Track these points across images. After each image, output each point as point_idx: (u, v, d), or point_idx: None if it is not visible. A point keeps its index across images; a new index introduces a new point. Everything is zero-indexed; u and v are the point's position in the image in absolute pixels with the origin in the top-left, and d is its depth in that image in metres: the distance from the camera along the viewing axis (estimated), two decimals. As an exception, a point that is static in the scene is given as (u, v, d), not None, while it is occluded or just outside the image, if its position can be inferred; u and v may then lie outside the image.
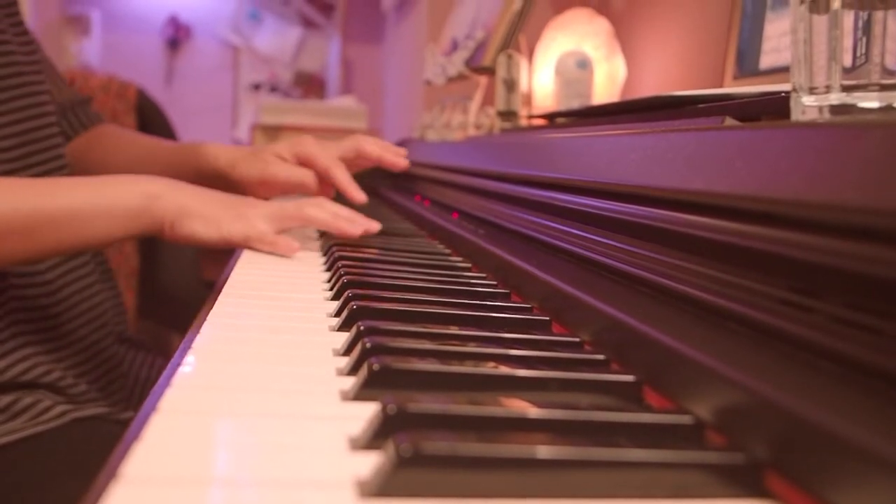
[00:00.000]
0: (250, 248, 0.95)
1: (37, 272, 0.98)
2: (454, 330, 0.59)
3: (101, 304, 1.09)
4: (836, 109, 0.48)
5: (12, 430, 0.90)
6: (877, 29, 0.46)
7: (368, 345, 0.50)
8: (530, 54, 1.69)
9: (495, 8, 1.72)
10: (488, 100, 1.70)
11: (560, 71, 1.44)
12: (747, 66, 1.06)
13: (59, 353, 0.99)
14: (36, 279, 0.98)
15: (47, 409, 0.92)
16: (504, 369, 0.49)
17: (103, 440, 0.92)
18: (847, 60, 0.47)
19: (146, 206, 0.92)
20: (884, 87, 0.46)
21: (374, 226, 1.02)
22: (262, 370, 0.51)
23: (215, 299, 0.69)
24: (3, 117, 0.98)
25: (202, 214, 0.94)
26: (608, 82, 1.52)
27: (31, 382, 0.94)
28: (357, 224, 1.00)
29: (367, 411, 0.41)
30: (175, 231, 0.93)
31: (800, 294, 0.42)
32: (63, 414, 0.93)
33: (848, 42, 0.47)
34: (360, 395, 0.46)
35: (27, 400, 0.92)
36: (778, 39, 1.00)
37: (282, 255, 0.96)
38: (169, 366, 0.51)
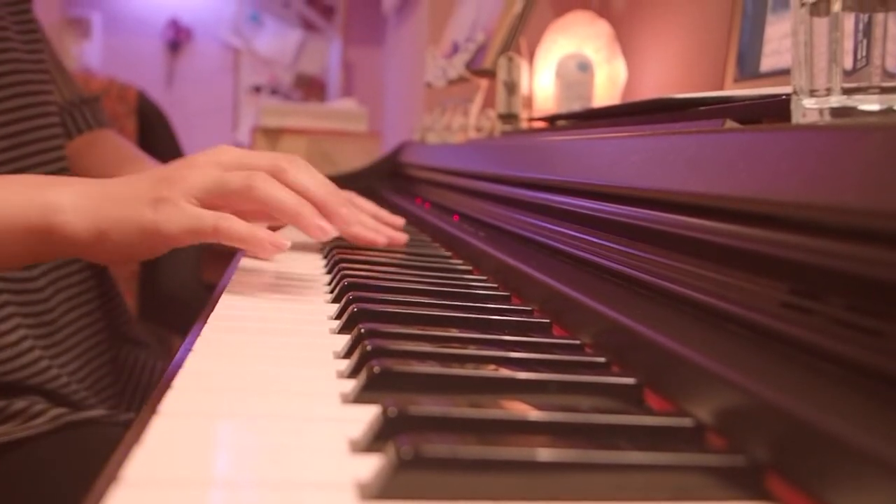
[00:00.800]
0: (201, 241, 0.72)
1: (28, 278, 0.98)
2: (455, 332, 0.59)
3: (98, 308, 1.08)
4: (836, 112, 0.48)
5: (4, 434, 0.89)
6: (877, 31, 0.46)
7: (369, 347, 0.50)
8: (531, 57, 1.69)
9: (496, 10, 1.72)
10: (489, 102, 1.70)
11: (561, 73, 1.44)
12: (748, 68, 1.06)
13: (58, 358, 0.98)
14: (28, 285, 0.98)
15: (41, 413, 0.92)
16: (504, 372, 0.49)
17: (100, 443, 0.91)
18: (848, 63, 0.47)
19: (46, 224, 0.71)
20: (884, 90, 0.46)
21: (331, 229, 0.76)
22: (263, 372, 0.51)
23: (216, 301, 0.69)
24: (1, 116, 0.97)
25: (116, 222, 0.71)
26: (609, 85, 1.52)
27: (26, 386, 0.93)
28: (333, 219, 0.77)
29: (368, 414, 0.41)
30: (95, 257, 0.74)
31: (800, 296, 0.42)
32: (57, 417, 0.92)
33: (848, 44, 0.47)
34: (361, 397, 0.46)
35: (20, 404, 0.91)
36: (779, 42, 1.00)
37: (259, 255, 0.75)
38: (169, 368, 0.51)
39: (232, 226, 0.70)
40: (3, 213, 0.71)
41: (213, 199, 0.72)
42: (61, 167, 1.05)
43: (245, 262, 0.91)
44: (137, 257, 0.74)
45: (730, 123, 0.66)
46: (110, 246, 0.71)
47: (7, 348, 0.93)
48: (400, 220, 0.88)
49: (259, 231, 0.71)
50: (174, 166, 0.75)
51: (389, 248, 0.96)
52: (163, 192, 0.71)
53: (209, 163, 0.75)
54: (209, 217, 0.70)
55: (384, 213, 0.96)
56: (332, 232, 0.75)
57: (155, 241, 0.70)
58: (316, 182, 0.78)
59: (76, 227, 0.71)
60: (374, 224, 0.91)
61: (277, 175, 0.75)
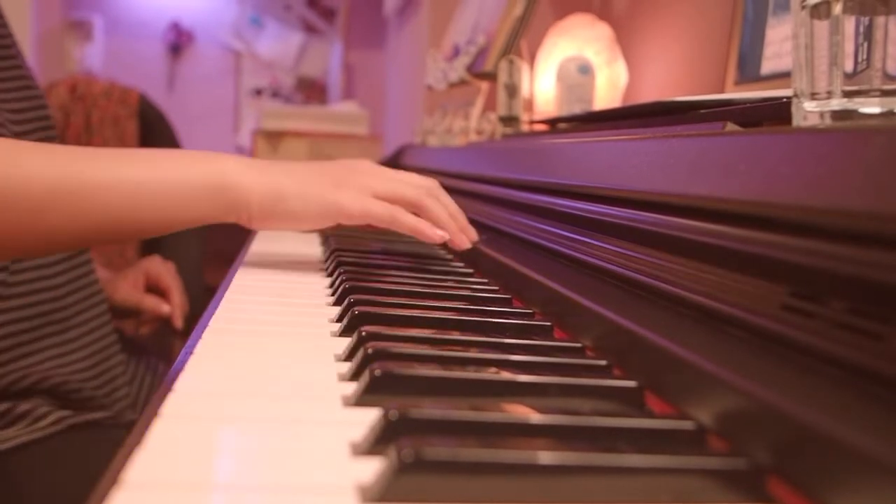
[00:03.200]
0: (371, 223, 0.84)
1: (43, 277, 0.98)
2: (456, 335, 0.59)
3: (105, 312, 1.08)
4: (837, 115, 0.48)
5: (9, 438, 0.89)
6: (878, 34, 0.46)
7: (370, 350, 0.50)
8: (532, 59, 1.69)
9: (497, 13, 1.72)
10: (490, 105, 1.70)
11: (561, 76, 1.44)
12: (749, 71, 1.06)
13: (63, 358, 0.98)
14: (41, 284, 0.98)
15: (44, 416, 0.92)
16: (506, 375, 0.49)
17: (102, 446, 0.91)
18: (848, 66, 0.47)
19: (227, 183, 0.80)
20: (885, 93, 0.46)
21: (473, 234, 0.91)
22: (264, 375, 0.51)
23: (217, 304, 0.69)
24: (23, 126, 0.97)
25: (300, 191, 0.82)
26: (610, 88, 1.52)
27: (31, 389, 0.93)
28: (466, 237, 0.89)
29: (369, 417, 0.41)
30: (265, 214, 0.81)
31: (802, 299, 0.42)
32: (60, 420, 0.93)
33: (849, 47, 0.47)
34: (362, 400, 0.46)
35: (24, 406, 0.91)
36: (779, 45, 1.00)
37: (428, 239, 0.85)
38: (171, 371, 0.51)
39: (405, 218, 0.85)
40: (189, 176, 0.79)
41: (385, 196, 0.85)
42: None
43: (246, 265, 0.91)
44: (305, 226, 0.84)
45: (730, 126, 0.66)
46: (284, 211, 0.81)
47: (12, 348, 0.93)
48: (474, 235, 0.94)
49: (426, 223, 0.85)
50: (345, 168, 0.87)
51: (390, 251, 0.96)
52: (342, 180, 0.84)
53: (373, 171, 0.87)
54: (386, 206, 0.84)
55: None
56: (467, 244, 0.89)
57: (332, 214, 0.83)
58: (453, 203, 0.91)
59: (253, 191, 0.80)
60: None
61: (428, 198, 0.88)
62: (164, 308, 1.31)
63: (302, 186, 0.82)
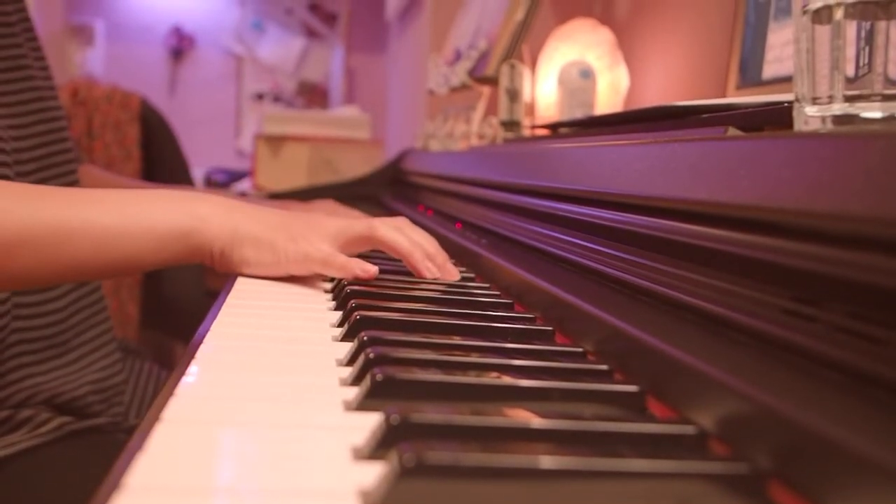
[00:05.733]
0: (314, 272, 0.84)
1: (48, 299, 0.98)
2: (457, 340, 0.59)
3: (109, 329, 1.08)
4: (838, 120, 0.48)
5: (11, 444, 0.89)
6: (879, 39, 0.46)
7: (372, 355, 0.50)
8: (533, 64, 1.69)
9: (498, 18, 1.72)
10: (491, 109, 1.70)
11: (563, 81, 1.45)
12: (750, 76, 1.06)
13: (67, 378, 0.98)
14: (46, 307, 0.97)
15: (46, 422, 0.92)
16: (507, 379, 0.49)
17: (103, 451, 0.91)
18: (850, 70, 0.47)
19: (192, 228, 0.80)
20: (886, 98, 0.46)
21: (454, 274, 0.88)
22: (266, 380, 0.51)
23: (219, 309, 0.69)
24: (24, 142, 0.97)
25: (255, 238, 0.82)
26: (611, 92, 1.52)
27: (33, 398, 0.93)
28: (435, 266, 0.86)
29: (371, 421, 0.41)
30: (225, 260, 0.82)
31: (803, 304, 0.42)
32: (61, 426, 0.92)
33: (851, 52, 0.47)
34: (364, 405, 0.46)
35: (25, 413, 0.91)
36: (781, 49, 1.00)
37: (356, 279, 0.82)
38: (172, 375, 0.51)
39: (346, 262, 0.82)
40: (156, 221, 0.79)
41: (339, 243, 0.84)
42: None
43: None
44: (256, 273, 0.83)
45: (732, 131, 0.66)
46: (238, 258, 0.82)
47: (14, 358, 0.93)
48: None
49: (369, 267, 0.82)
50: (304, 220, 0.86)
51: (391, 255, 0.95)
52: (301, 231, 0.84)
53: (328, 224, 0.86)
54: (341, 258, 0.82)
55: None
56: (436, 273, 0.86)
57: (285, 263, 0.83)
58: (425, 238, 0.89)
59: (216, 236, 0.81)
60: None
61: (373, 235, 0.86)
62: None
63: (258, 234, 0.82)
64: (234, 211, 0.83)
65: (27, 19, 1.04)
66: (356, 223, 0.86)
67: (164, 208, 0.80)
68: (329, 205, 1.34)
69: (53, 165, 1.01)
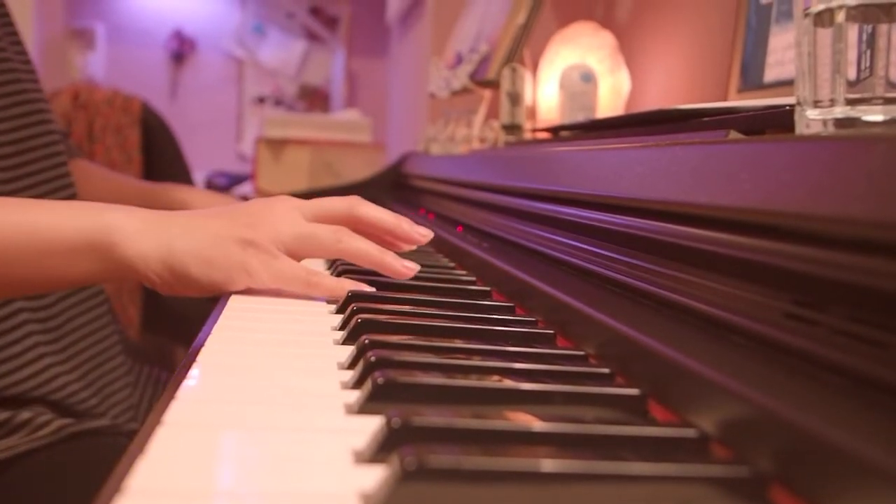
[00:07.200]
0: (276, 288, 0.74)
1: (46, 305, 0.98)
2: (458, 343, 0.59)
3: (107, 325, 1.08)
4: (840, 123, 0.48)
5: (10, 446, 0.89)
6: (881, 42, 0.46)
7: (373, 358, 0.50)
8: (534, 67, 1.69)
9: (499, 21, 1.72)
10: (492, 113, 1.70)
11: (564, 84, 1.45)
12: (751, 79, 1.06)
13: (65, 364, 0.99)
14: (44, 312, 0.98)
15: (45, 425, 0.92)
16: (508, 383, 0.49)
17: (103, 454, 0.91)
18: (851, 74, 0.47)
19: (106, 241, 0.71)
20: (888, 101, 0.46)
21: (425, 235, 0.83)
22: (267, 383, 0.51)
23: (220, 312, 0.69)
24: (2, 124, 0.97)
25: (198, 253, 0.71)
26: (612, 95, 1.52)
27: (32, 397, 0.93)
28: (404, 239, 0.81)
29: (372, 425, 0.41)
30: (165, 283, 0.72)
31: (804, 307, 0.42)
32: (61, 429, 0.92)
33: (852, 55, 0.47)
34: (365, 408, 0.46)
35: (25, 415, 0.91)
36: (782, 52, 1.00)
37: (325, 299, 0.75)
38: (173, 379, 0.51)
39: (321, 281, 0.74)
40: (63, 230, 0.71)
41: (298, 248, 0.75)
42: (63, 174, 1.05)
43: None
44: (206, 294, 0.73)
45: (733, 134, 0.66)
46: (184, 279, 0.71)
47: (17, 357, 0.93)
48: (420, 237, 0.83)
49: (346, 282, 0.75)
50: (252, 209, 0.76)
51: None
52: (249, 234, 0.72)
53: (290, 209, 0.76)
54: (301, 274, 0.74)
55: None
56: (416, 269, 0.79)
57: (240, 284, 0.72)
58: (381, 212, 0.81)
59: (143, 253, 0.70)
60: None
61: (354, 213, 0.78)
62: None
63: (202, 250, 0.71)
64: (164, 223, 0.72)
65: None
66: (320, 231, 0.76)
67: (75, 217, 0.72)
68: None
69: (34, 149, 1.01)
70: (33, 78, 1.06)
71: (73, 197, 1.07)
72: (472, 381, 0.48)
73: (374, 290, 0.76)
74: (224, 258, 0.71)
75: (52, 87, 2.36)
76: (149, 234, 0.71)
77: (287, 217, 0.75)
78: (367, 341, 0.55)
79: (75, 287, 0.76)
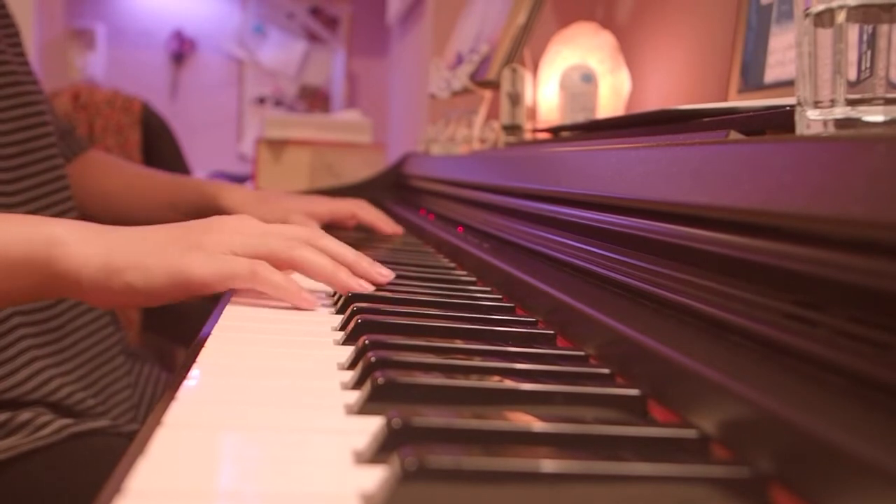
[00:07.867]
0: (232, 287, 0.71)
1: (45, 307, 0.98)
2: (459, 343, 0.59)
3: (107, 325, 1.08)
4: (840, 123, 0.48)
5: (10, 447, 0.89)
6: (881, 42, 0.46)
7: (373, 359, 0.50)
8: (535, 68, 1.69)
9: (500, 22, 1.72)
10: (493, 113, 1.70)
11: (565, 85, 1.45)
12: (752, 79, 1.06)
13: (63, 366, 0.99)
14: (42, 314, 0.98)
15: (46, 425, 0.92)
16: (509, 383, 0.49)
17: (104, 454, 0.91)
18: (852, 74, 0.47)
19: (45, 257, 0.69)
20: (888, 101, 0.46)
21: (386, 276, 0.79)
22: (267, 384, 0.51)
23: (220, 313, 0.69)
24: (4, 125, 0.98)
25: (138, 261, 0.68)
26: (613, 96, 1.52)
27: (33, 399, 0.93)
28: (361, 277, 0.76)
29: (372, 425, 0.41)
30: (101, 290, 0.69)
31: (805, 308, 0.42)
32: (62, 429, 0.92)
33: (853, 56, 0.47)
34: (365, 408, 0.46)
35: (25, 415, 0.91)
36: (783, 53, 1.00)
37: (292, 304, 0.73)
38: (174, 379, 0.51)
39: (269, 275, 0.71)
40: (5, 245, 0.69)
41: (247, 255, 0.72)
42: (60, 175, 1.06)
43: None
44: (153, 302, 0.71)
45: (734, 135, 0.66)
46: (122, 286, 0.68)
47: (10, 361, 0.93)
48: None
49: (294, 282, 0.72)
50: (208, 222, 0.74)
51: (393, 260, 0.95)
52: (196, 239, 0.71)
53: (246, 220, 0.75)
54: (245, 262, 0.70)
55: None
56: (368, 287, 0.76)
57: (182, 285, 0.69)
58: (342, 247, 0.78)
59: (82, 262, 0.69)
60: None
61: (314, 244, 0.76)
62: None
63: (141, 256, 0.68)
64: (104, 233, 0.71)
65: None
66: (275, 239, 0.74)
67: (12, 228, 0.70)
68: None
69: (35, 150, 1.02)
70: (32, 80, 1.06)
71: (71, 197, 1.08)
72: (472, 382, 0.48)
73: (373, 289, 0.76)
74: (162, 265, 0.68)
75: (53, 87, 2.36)
76: (88, 245, 0.69)
77: (240, 226, 0.74)
78: (367, 342, 0.55)
79: (16, 305, 0.73)
